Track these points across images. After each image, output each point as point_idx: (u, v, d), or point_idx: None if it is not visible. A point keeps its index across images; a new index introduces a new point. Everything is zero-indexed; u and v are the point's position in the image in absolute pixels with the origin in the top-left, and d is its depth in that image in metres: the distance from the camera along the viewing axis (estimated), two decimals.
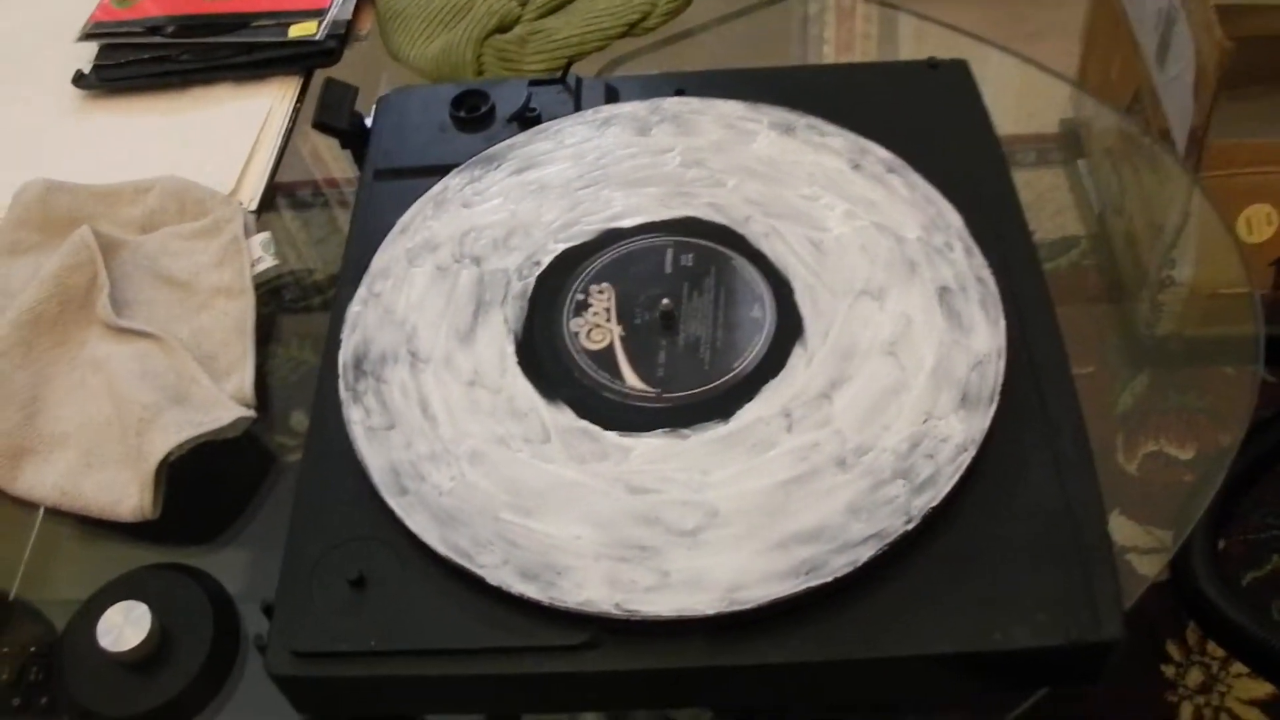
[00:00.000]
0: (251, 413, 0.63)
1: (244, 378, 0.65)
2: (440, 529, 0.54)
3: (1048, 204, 0.99)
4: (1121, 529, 0.68)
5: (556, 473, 0.56)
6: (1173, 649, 0.77)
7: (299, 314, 0.76)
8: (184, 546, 0.64)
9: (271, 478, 0.66)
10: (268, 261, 0.70)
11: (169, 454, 0.61)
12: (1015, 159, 0.92)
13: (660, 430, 0.56)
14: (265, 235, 0.71)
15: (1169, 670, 0.95)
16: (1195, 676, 0.88)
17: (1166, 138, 1.11)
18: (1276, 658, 0.88)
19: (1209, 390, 0.82)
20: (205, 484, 0.66)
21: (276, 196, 0.83)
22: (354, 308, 0.62)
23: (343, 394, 0.59)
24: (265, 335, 0.71)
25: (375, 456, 0.57)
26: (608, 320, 0.61)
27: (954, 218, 0.63)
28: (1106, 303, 0.93)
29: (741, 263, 0.62)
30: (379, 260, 0.64)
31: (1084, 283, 0.93)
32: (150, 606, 0.58)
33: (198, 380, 0.64)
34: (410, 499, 0.55)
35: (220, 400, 0.63)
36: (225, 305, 0.68)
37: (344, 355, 0.61)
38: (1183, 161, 1.08)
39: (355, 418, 0.58)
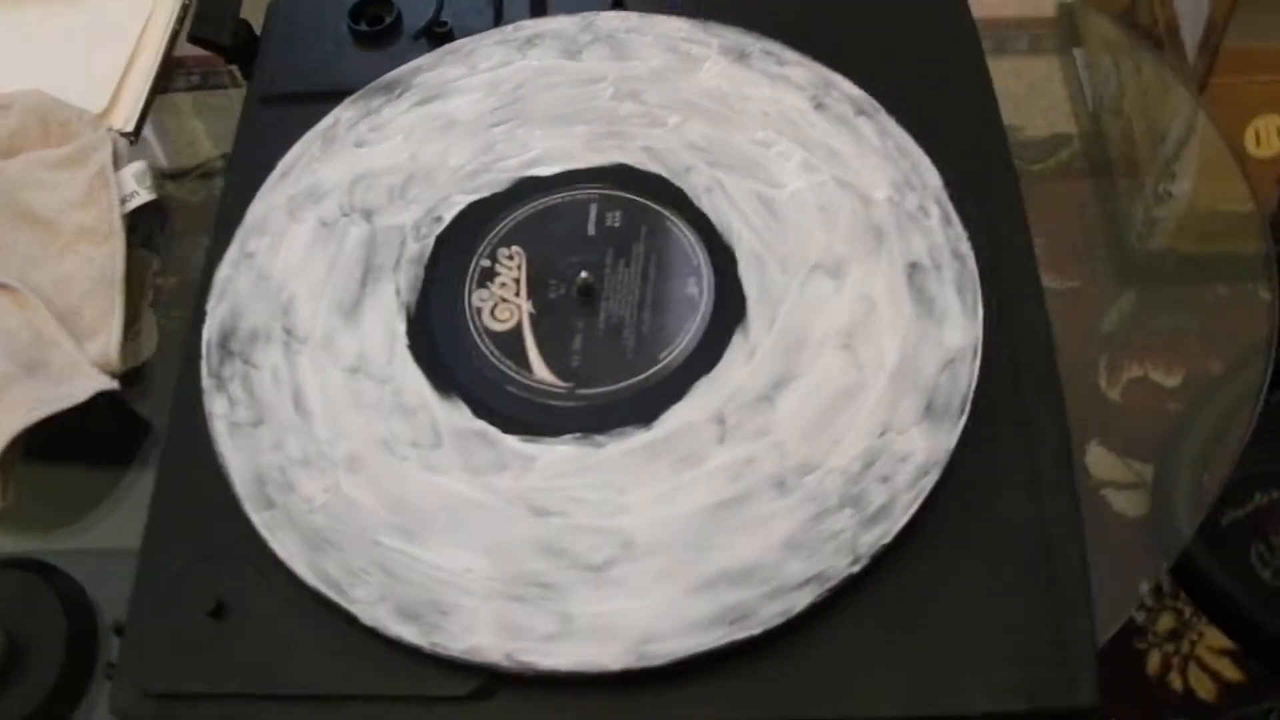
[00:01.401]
0: (114, 384, 0.53)
1: (109, 339, 0.54)
2: (309, 553, 0.44)
3: (1039, 97, 0.88)
4: (1099, 461, 0.59)
5: (447, 487, 0.45)
6: (1145, 591, 0.67)
7: (185, 260, 0.64)
8: (37, 535, 0.54)
9: (146, 454, 0.56)
10: (142, 197, 0.58)
11: (17, 436, 0.52)
12: (1006, 44, 0.81)
13: (571, 435, 0.46)
14: (139, 165, 0.59)
15: (1138, 615, 0.86)
16: (1166, 623, 0.78)
17: (1174, 35, 0.98)
18: (1245, 618, 0.81)
19: (1201, 311, 0.73)
20: (64, 460, 0.56)
21: None
22: (223, 271, 0.51)
23: (205, 380, 0.48)
24: (141, 285, 0.60)
25: (239, 458, 0.46)
26: (516, 294, 0.50)
27: (932, 176, 0.52)
28: (1096, 212, 0.83)
29: (678, 225, 0.51)
30: (255, 211, 0.53)
31: (1073, 188, 0.83)
32: None
33: (58, 343, 0.54)
34: (277, 514, 0.45)
35: (80, 367, 0.53)
36: (90, 250, 0.57)
37: (208, 331, 0.50)
38: (1191, 63, 0.96)
39: (218, 409, 0.48)
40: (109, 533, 0.53)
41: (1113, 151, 0.84)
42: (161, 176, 0.65)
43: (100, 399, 0.53)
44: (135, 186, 0.58)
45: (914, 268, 0.49)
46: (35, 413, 0.50)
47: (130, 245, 0.58)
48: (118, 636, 0.45)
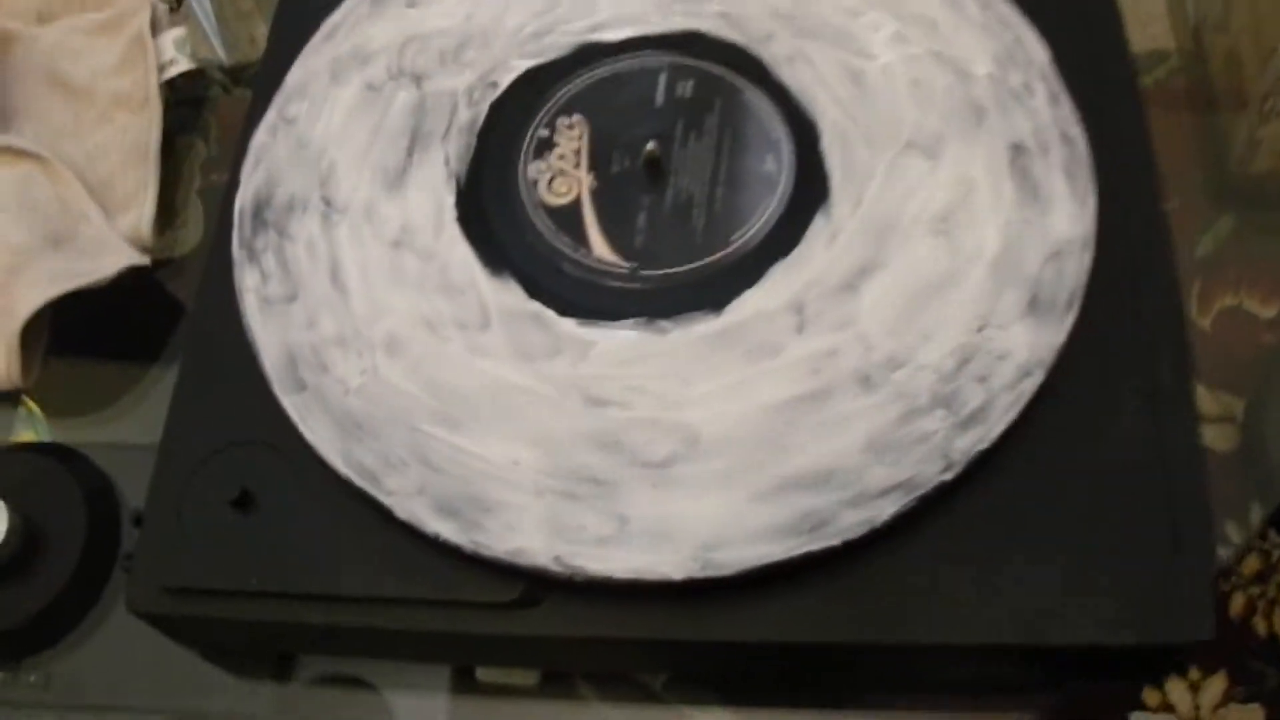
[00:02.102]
0: (145, 259, 0.48)
1: (142, 214, 0.49)
2: (343, 440, 0.39)
3: (1136, 10, 0.80)
4: None
5: (495, 372, 0.39)
6: (1232, 530, 0.61)
7: (226, 135, 0.59)
8: (63, 421, 0.49)
9: (174, 335, 0.51)
10: (182, 65, 0.53)
11: (41, 310, 0.47)
12: None
13: (632, 320, 0.40)
14: (179, 31, 0.53)
15: (1224, 553, 0.77)
16: (1252, 564, 0.70)
17: None
18: None
19: None
20: (94, 344, 0.51)
21: None
22: (260, 136, 0.45)
23: (235, 251, 0.43)
24: (178, 159, 0.55)
25: (269, 336, 0.41)
26: (576, 166, 0.43)
27: (1038, 51, 0.44)
28: (1195, 131, 0.75)
29: (755, 97, 0.44)
30: (297, 74, 0.47)
31: (1171, 106, 0.75)
32: (9, 499, 0.44)
33: (87, 215, 0.49)
34: (308, 397, 0.40)
35: (110, 242, 0.48)
36: (126, 119, 0.51)
37: (242, 199, 0.44)
38: None
39: (249, 283, 0.42)
40: (138, 421, 0.48)
41: (1214, 69, 0.76)
42: (221, 72, 0.60)
43: (130, 277, 0.48)
44: (174, 53, 0.52)
45: (1017, 150, 0.42)
46: (59, 286, 0.46)
47: (176, 127, 0.53)
48: (137, 527, 0.41)
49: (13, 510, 0.43)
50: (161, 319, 0.52)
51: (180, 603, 0.39)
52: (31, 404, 0.51)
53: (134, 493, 0.45)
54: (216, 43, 0.64)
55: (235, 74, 0.61)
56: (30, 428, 0.51)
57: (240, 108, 0.55)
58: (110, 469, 0.46)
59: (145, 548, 0.39)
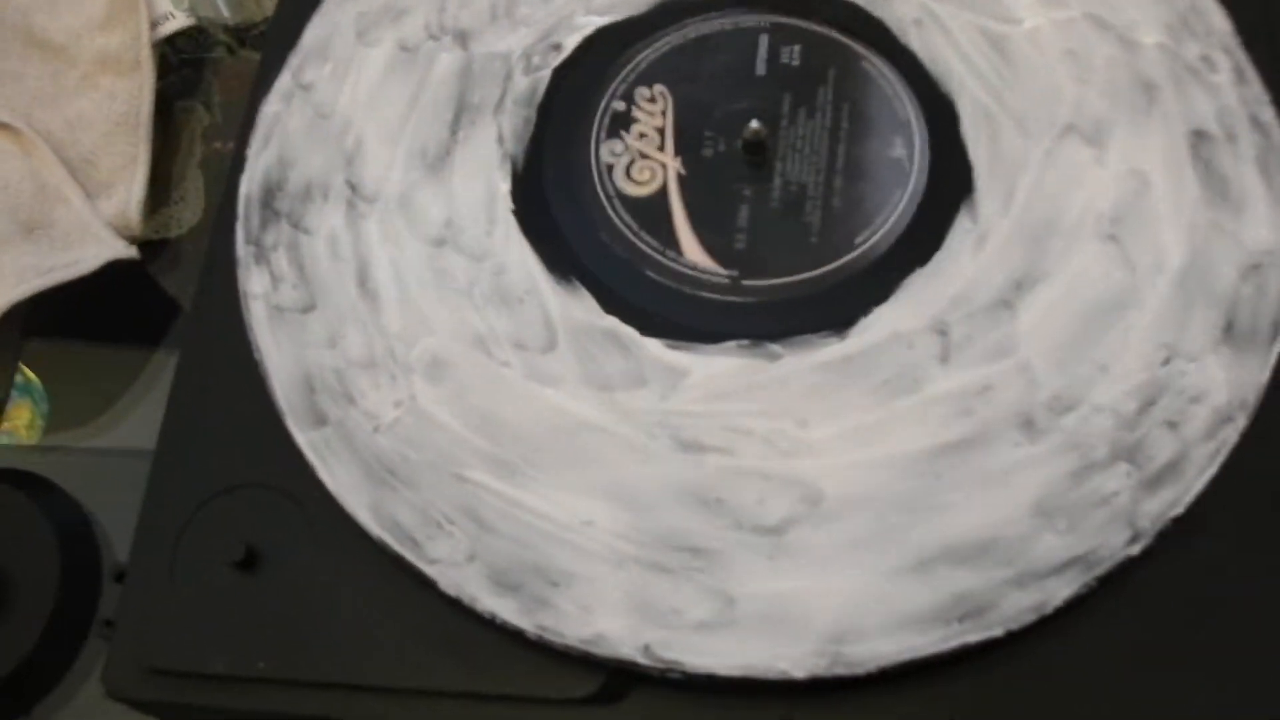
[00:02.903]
0: (132, 251, 0.39)
1: (130, 195, 0.40)
2: (372, 489, 0.30)
3: None
4: None
5: (563, 406, 0.30)
6: None
7: (230, 101, 0.50)
8: (34, 440, 0.40)
9: (169, 333, 0.42)
10: (179, 20, 0.43)
11: (10, 311, 0.38)
12: None
13: (734, 342, 0.31)
14: None
15: None
16: None
17: None
18: None
19: None
20: (73, 348, 0.42)
21: None
22: (270, 106, 0.36)
23: (240, 248, 0.34)
24: (190, 142, 0.46)
25: (281, 356, 0.32)
26: (660, 148, 0.34)
27: (1218, 18, 0.35)
28: None
29: (878, 66, 0.35)
30: (315, 31, 0.37)
31: None
32: None
33: (66, 198, 0.39)
34: (330, 434, 0.31)
35: (91, 229, 0.39)
36: (113, 84, 0.42)
37: (248, 183, 0.35)
38: None
39: (256, 288, 0.33)
40: (123, 441, 0.39)
41: None
42: (224, 30, 0.51)
43: (115, 269, 0.39)
44: (170, 7, 0.43)
45: (1199, 137, 0.34)
46: (32, 283, 0.37)
47: (173, 93, 0.44)
48: (119, 583, 0.32)
49: None
50: (155, 311, 0.43)
51: (170, 688, 0.30)
52: (30, 373, 0.42)
53: (119, 532, 0.37)
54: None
55: (242, 32, 0.52)
56: (27, 396, 0.42)
57: (248, 71, 0.46)
58: (90, 503, 0.38)
59: (128, 615, 0.31)
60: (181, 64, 0.49)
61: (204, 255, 0.34)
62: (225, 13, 0.49)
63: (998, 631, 0.28)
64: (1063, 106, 0.34)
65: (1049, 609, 0.28)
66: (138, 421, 0.41)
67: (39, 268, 0.37)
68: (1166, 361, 0.30)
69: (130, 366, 0.41)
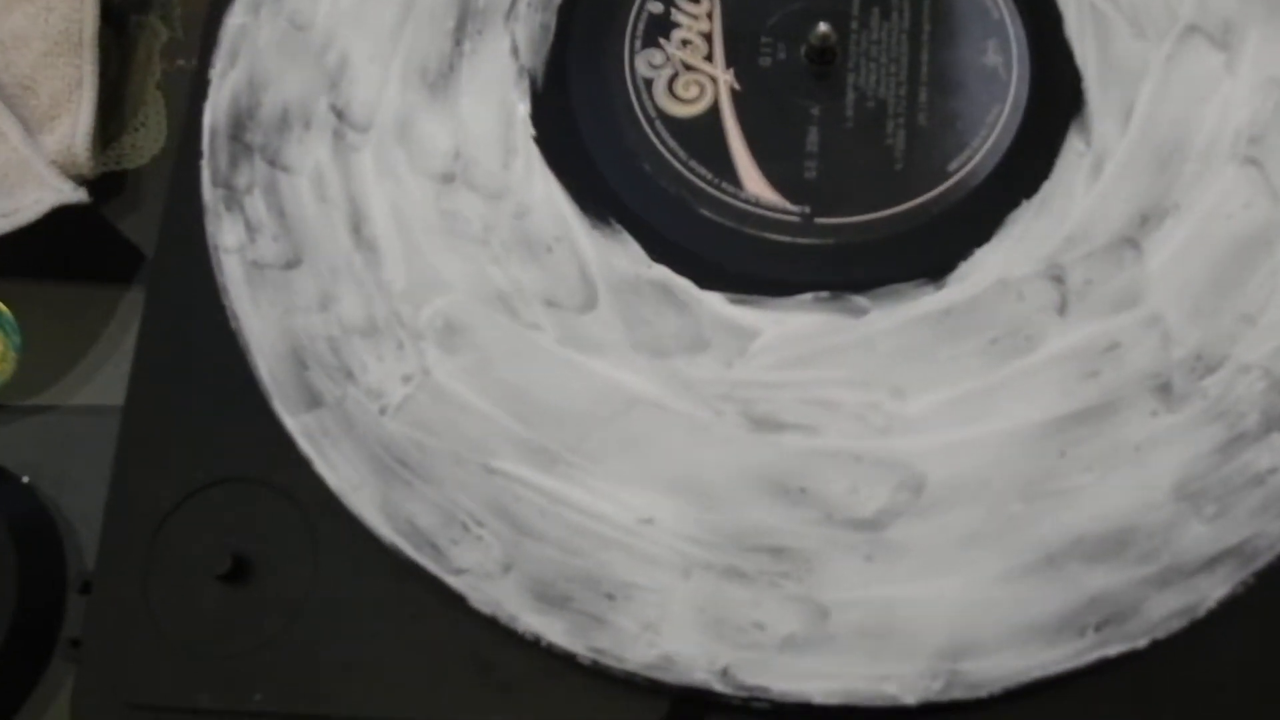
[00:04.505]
0: (80, 194, 0.31)
1: (76, 125, 0.32)
2: (382, 483, 0.23)
3: None
4: None
5: (607, 376, 0.24)
6: None
7: (192, 11, 0.40)
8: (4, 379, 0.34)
9: (137, 298, 0.35)
10: None
11: None
12: None
13: (811, 295, 0.24)
14: None
15: None
16: None
17: None
18: None
19: None
20: (17, 305, 0.35)
21: None
22: (235, 17, 0.28)
23: (206, 192, 0.26)
24: (147, 60, 0.38)
25: (262, 322, 0.24)
26: (708, 57, 0.27)
27: None
28: None
29: None
30: None
31: None
32: None
33: (2, 133, 0.32)
34: (326, 417, 0.24)
35: (32, 168, 0.31)
36: None
37: (213, 112, 0.27)
38: None
39: (229, 240, 0.25)
40: (87, 415, 0.32)
41: None
42: None
43: (62, 214, 0.32)
44: None
45: None
46: None
47: (127, 5, 0.36)
48: (84, 595, 0.26)
49: None
50: (116, 253, 0.35)
51: None
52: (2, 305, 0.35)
53: (85, 523, 0.30)
54: None
55: None
56: None
57: None
58: (49, 482, 0.31)
59: (97, 638, 0.24)
60: None
61: (165, 198, 0.27)
62: None
63: (1142, 642, 0.22)
64: (1184, 2, 0.27)
65: (1200, 613, 0.22)
66: (107, 374, 0.34)
67: None
68: None
69: (99, 308, 0.34)
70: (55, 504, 0.30)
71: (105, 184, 0.35)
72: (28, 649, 0.27)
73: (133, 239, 0.34)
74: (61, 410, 0.32)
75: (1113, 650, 0.22)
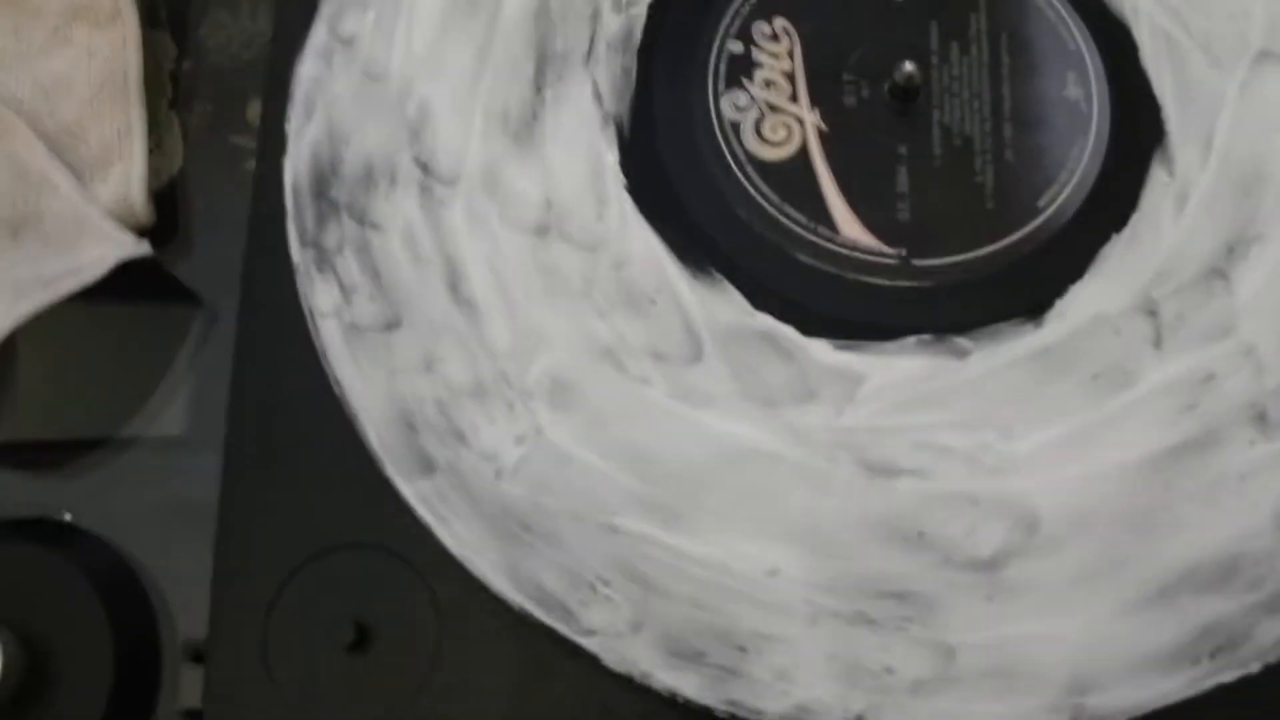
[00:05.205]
0: (144, 246, 0.31)
1: (131, 172, 0.32)
2: (505, 547, 0.24)
3: None
4: None
5: (720, 429, 0.24)
6: None
7: (199, 37, 0.39)
8: (52, 482, 0.31)
9: (189, 336, 0.34)
10: None
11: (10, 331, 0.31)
12: None
13: (914, 339, 0.25)
14: None
15: None
16: None
17: None
18: None
19: None
20: (78, 360, 0.35)
21: None
22: (306, 67, 0.28)
23: (296, 253, 0.27)
24: (158, 79, 0.37)
25: (368, 387, 0.25)
26: (792, 98, 0.28)
27: None
28: None
29: None
30: None
31: None
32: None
33: (52, 183, 0.32)
34: (442, 482, 0.25)
35: (89, 221, 0.32)
36: (90, 38, 0.34)
37: (293, 168, 0.27)
38: None
39: (324, 304, 0.26)
40: (150, 465, 0.32)
41: None
42: None
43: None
44: None
45: None
46: (33, 299, 0.29)
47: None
48: (196, 664, 0.26)
49: (7, 637, 0.28)
50: (147, 297, 0.35)
51: None
52: None
53: (161, 572, 0.30)
54: None
55: None
56: None
57: None
58: (120, 539, 0.31)
59: (219, 710, 0.25)
60: None
61: (244, 263, 0.27)
62: None
63: (1255, 666, 0.24)
64: (1254, 27, 0.28)
65: None
66: (158, 404, 0.34)
67: (39, 277, 0.30)
68: None
69: (137, 382, 0.34)
70: (133, 557, 0.30)
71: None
72: (140, 677, 0.28)
73: (168, 264, 0.34)
74: (113, 444, 0.32)
75: (1228, 676, 0.24)
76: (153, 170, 0.39)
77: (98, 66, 0.33)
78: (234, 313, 0.28)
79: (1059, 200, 0.27)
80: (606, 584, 0.24)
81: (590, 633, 0.24)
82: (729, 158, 0.27)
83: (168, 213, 0.35)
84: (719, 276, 0.26)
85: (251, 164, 0.32)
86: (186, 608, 0.29)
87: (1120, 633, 0.24)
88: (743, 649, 0.24)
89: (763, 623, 0.24)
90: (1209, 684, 0.24)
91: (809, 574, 0.24)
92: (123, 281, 0.31)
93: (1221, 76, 0.28)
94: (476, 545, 0.24)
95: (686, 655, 0.24)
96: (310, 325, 0.26)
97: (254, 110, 0.36)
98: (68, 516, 0.31)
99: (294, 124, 0.28)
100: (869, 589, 0.24)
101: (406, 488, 0.25)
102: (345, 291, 0.26)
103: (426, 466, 0.25)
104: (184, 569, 0.29)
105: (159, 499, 0.31)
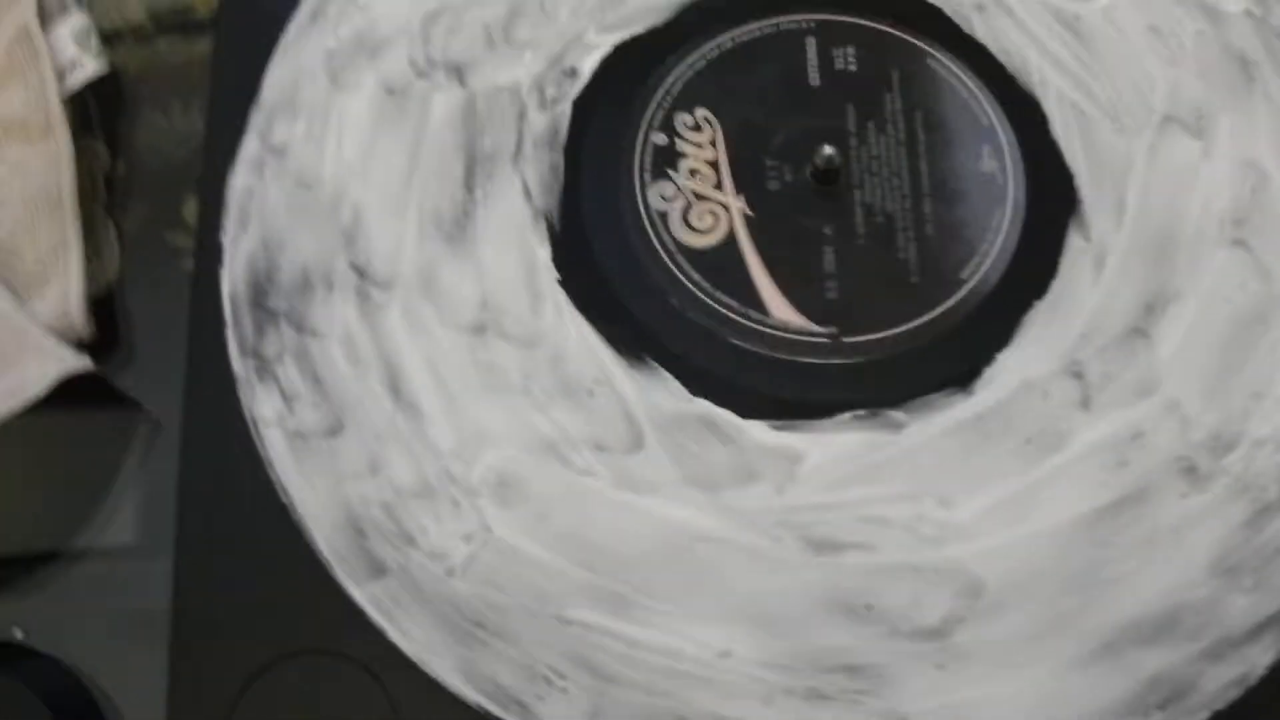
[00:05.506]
0: (86, 362, 0.32)
1: (69, 286, 0.33)
2: (459, 646, 0.25)
3: None
4: None
5: (665, 515, 0.25)
6: None
7: (133, 139, 0.40)
8: (2, 599, 0.35)
9: (133, 446, 0.34)
10: (89, 67, 0.36)
11: None
12: None
13: (849, 415, 0.26)
14: (80, 21, 0.37)
15: None
16: None
17: None
18: None
19: None
20: (23, 474, 0.35)
21: None
22: (239, 178, 0.29)
23: (236, 363, 0.28)
24: (92, 185, 0.38)
25: (315, 493, 0.26)
26: (717, 186, 0.29)
27: None
28: None
29: (945, 64, 0.30)
30: (276, 78, 0.30)
31: None
32: None
33: None
34: (393, 584, 0.25)
35: (29, 339, 0.32)
36: (22, 155, 0.34)
37: (230, 279, 0.28)
38: None
39: (267, 412, 0.27)
40: (101, 575, 0.33)
41: None
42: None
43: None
44: (76, 52, 0.36)
45: None
46: None
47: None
48: None
49: None
50: (92, 409, 0.36)
51: None
52: None
53: (116, 689, 0.31)
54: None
55: (109, 39, 0.43)
56: None
57: (126, 82, 0.38)
58: (70, 658, 0.31)
59: None
60: None
61: (186, 375, 0.28)
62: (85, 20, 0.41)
63: (1202, 715, 0.24)
64: (1156, 94, 0.30)
65: (1253, 680, 0.25)
66: (104, 512, 0.34)
67: None
68: None
69: (81, 494, 0.34)
70: (85, 673, 0.30)
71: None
72: None
73: (110, 373, 0.34)
74: (63, 557, 0.32)
75: None
76: (90, 278, 0.39)
77: (31, 183, 0.34)
78: (178, 418, 0.29)
79: (981, 271, 0.28)
80: (561, 676, 0.25)
81: None
82: (659, 247, 0.28)
83: (107, 318, 0.36)
84: (655, 365, 0.27)
85: (190, 263, 0.33)
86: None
87: (1070, 690, 0.25)
88: None
89: (718, 705, 0.24)
90: None
91: (761, 653, 0.25)
92: (65, 392, 0.31)
93: (1129, 142, 0.30)
94: (430, 645, 0.25)
95: None
96: (254, 434, 0.27)
97: (190, 208, 0.37)
98: (19, 634, 0.32)
99: (229, 234, 0.29)
100: (821, 664, 0.25)
101: (358, 591, 0.25)
102: (287, 399, 0.27)
103: (377, 570, 0.26)
104: (139, 681, 0.30)
105: (111, 609, 0.31)
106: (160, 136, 0.40)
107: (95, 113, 0.41)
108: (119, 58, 0.44)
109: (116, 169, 0.40)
